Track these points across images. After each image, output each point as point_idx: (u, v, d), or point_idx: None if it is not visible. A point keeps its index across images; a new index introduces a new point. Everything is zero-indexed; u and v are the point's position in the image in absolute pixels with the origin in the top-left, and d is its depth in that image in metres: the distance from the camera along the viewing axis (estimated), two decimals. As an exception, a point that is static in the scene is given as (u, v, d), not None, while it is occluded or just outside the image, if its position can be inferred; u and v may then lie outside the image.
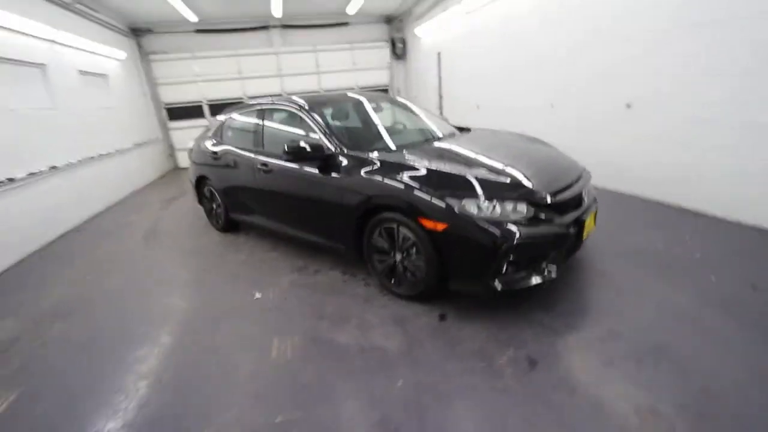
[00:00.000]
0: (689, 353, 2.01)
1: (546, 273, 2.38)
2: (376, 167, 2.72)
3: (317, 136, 3.14)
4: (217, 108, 9.88)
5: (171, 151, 9.95)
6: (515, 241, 2.21)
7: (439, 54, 8.78)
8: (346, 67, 10.56)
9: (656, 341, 2.12)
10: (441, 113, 9.09)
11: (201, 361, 2.30)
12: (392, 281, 2.80)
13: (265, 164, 3.50)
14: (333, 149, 2.99)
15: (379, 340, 2.34)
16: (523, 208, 2.33)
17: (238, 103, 4.57)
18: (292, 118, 3.51)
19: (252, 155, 3.69)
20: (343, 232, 3.00)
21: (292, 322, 2.63)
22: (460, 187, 2.37)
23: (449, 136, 3.48)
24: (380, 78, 10.98)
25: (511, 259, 2.26)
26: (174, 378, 2.17)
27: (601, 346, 2.13)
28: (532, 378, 1.95)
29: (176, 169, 9.94)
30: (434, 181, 2.45)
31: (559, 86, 5.40)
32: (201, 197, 4.73)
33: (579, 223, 2.51)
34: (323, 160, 2.99)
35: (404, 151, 2.91)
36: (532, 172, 2.57)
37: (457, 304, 2.63)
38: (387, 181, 2.59)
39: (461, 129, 3.85)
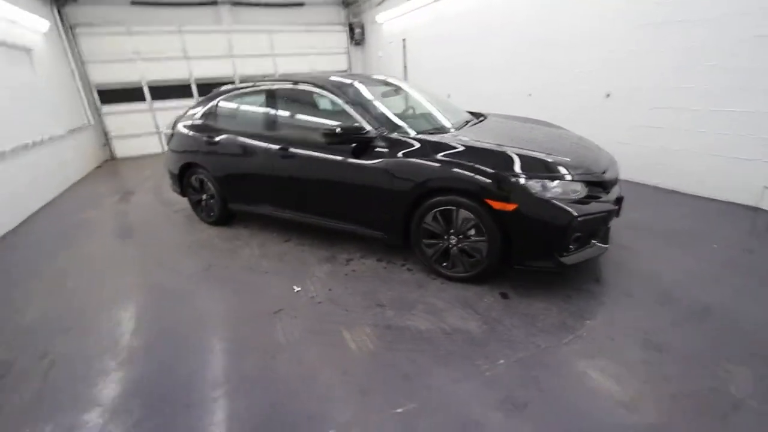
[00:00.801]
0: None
1: (599, 246, 2.57)
2: (428, 149, 2.68)
3: (356, 118, 2.98)
4: (160, 91, 8.89)
5: (105, 139, 8.74)
6: (582, 218, 2.34)
7: (404, 41, 8.78)
8: (303, 50, 10.10)
9: (702, 299, 2.40)
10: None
11: (278, 362, 2.11)
12: (444, 265, 2.80)
13: (284, 149, 3.25)
14: (375, 131, 2.87)
15: (457, 323, 2.34)
16: (578, 187, 2.47)
17: (223, 84, 4.15)
18: (316, 100, 3.30)
19: (263, 141, 3.40)
20: (386, 219, 2.92)
21: (352, 312, 2.51)
22: (527, 167, 2.43)
23: (475, 121, 3.51)
24: (339, 63, 10.70)
25: (577, 235, 2.39)
26: (263, 385, 1.96)
27: (661, 307, 2.36)
28: (622, 339, 2.10)
29: (113, 160, 8.78)
30: (500, 162, 2.49)
31: (536, 77, 5.73)
32: (185, 188, 4.25)
33: (619, 200, 2.72)
34: (363, 143, 2.86)
35: (452, 133, 2.90)
36: (577, 154, 2.73)
37: (512, 282, 2.72)
38: (451, 164, 2.56)
39: (476, 114, 3.90)
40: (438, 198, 2.63)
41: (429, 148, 2.68)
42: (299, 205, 3.44)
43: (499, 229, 2.47)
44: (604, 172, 2.64)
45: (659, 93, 4.25)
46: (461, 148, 2.62)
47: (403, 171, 2.72)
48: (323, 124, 3.17)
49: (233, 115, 3.79)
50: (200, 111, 3.99)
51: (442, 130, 3.08)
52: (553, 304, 2.47)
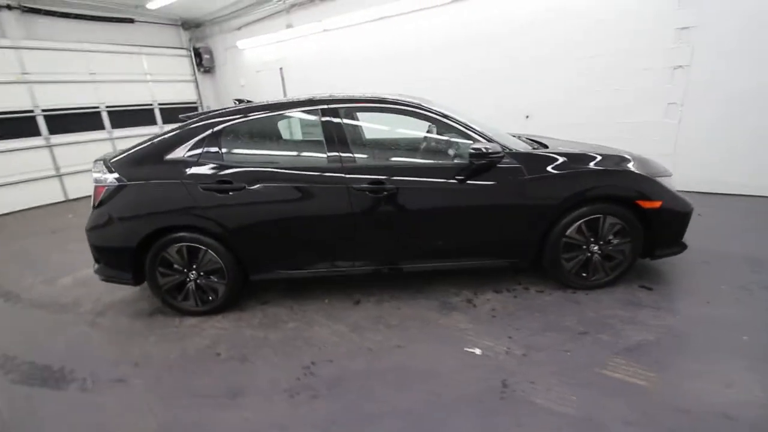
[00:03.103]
0: None
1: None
2: (564, 161, 2.61)
3: (474, 136, 2.59)
4: None
5: None
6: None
7: (281, 70, 8.10)
8: (136, 76, 7.93)
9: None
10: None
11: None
12: (584, 275, 2.75)
13: (378, 182, 2.51)
14: (504, 149, 2.58)
15: (659, 322, 2.35)
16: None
17: (210, 111, 2.86)
18: (398, 121, 2.69)
19: (329, 176, 2.53)
20: (521, 240, 2.67)
21: (576, 352, 2.15)
22: (650, 169, 2.70)
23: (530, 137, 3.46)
24: (185, 93, 8.90)
25: (687, 221, 2.80)
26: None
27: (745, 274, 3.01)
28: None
29: None
30: (638, 164, 2.66)
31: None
32: (150, 269, 2.67)
33: None
34: (493, 162, 2.54)
35: (550, 147, 2.88)
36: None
37: (631, 277, 2.90)
38: (603, 172, 2.58)
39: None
40: (584, 209, 2.60)
41: (555, 160, 2.62)
42: (388, 252, 2.71)
43: (644, 227, 2.64)
44: None
45: (573, 112, 5.40)
46: (598, 158, 2.66)
47: (550, 186, 2.56)
48: (437, 145, 2.64)
49: (260, 145, 2.67)
50: (184, 146, 2.62)
51: (536, 144, 3.03)
52: (696, 291, 2.80)
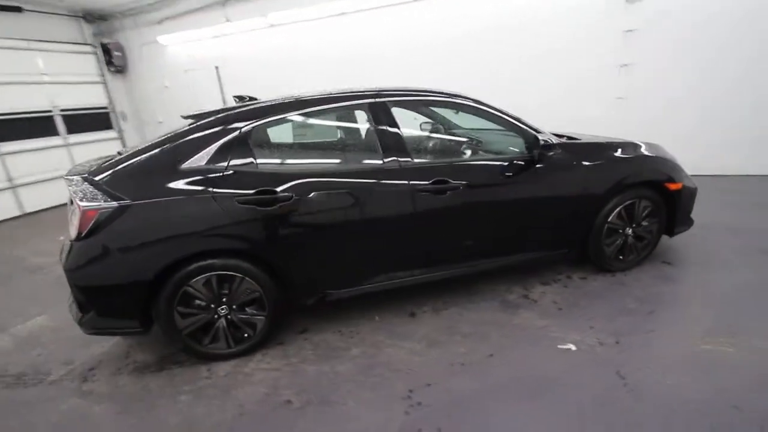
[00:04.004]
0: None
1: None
2: (599, 151, 2.69)
3: (524, 128, 2.52)
4: None
5: None
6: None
7: (217, 69, 7.25)
8: (29, 77, 6.43)
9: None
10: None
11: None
12: (621, 258, 2.87)
13: (442, 182, 2.29)
14: (555, 139, 2.56)
15: (720, 292, 2.55)
16: None
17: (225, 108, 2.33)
18: (437, 115, 2.52)
19: (384, 178, 2.25)
20: (575, 230, 2.70)
21: (661, 342, 2.18)
22: (662, 152, 2.92)
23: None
24: (92, 96, 7.47)
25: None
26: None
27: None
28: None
29: None
30: (658, 151, 2.85)
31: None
32: (168, 310, 2.08)
33: None
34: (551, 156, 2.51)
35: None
36: None
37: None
38: (633, 159, 2.72)
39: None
40: (625, 194, 2.70)
41: (599, 150, 2.71)
42: (450, 255, 2.51)
43: (667, 208, 2.85)
44: None
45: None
46: (629, 146, 2.79)
47: (601, 174, 2.62)
48: (483, 141, 2.50)
49: (300, 147, 2.25)
50: (204, 152, 2.09)
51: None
52: (693, 252, 3.10)
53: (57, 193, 6.67)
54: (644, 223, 2.82)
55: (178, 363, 2.30)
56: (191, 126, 2.17)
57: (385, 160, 2.28)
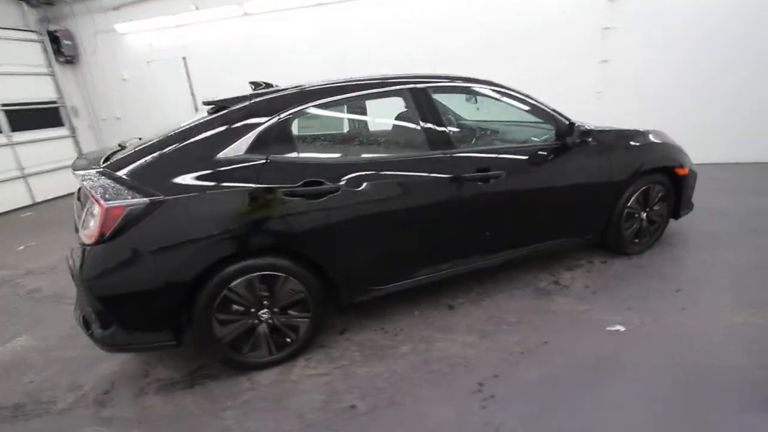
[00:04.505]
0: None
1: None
2: (619, 138, 2.78)
3: (555, 115, 2.54)
4: None
5: None
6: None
7: (185, 60, 6.74)
8: (-39, 66, 5.60)
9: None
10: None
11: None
12: (636, 241, 2.99)
13: (484, 169, 2.25)
14: (585, 125, 2.61)
15: (731, 265, 2.72)
16: None
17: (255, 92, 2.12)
18: (471, 102, 2.47)
19: (427, 167, 2.17)
20: (597, 216, 2.77)
21: (698, 319, 2.26)
22: (671, 140, 3.08)
23: None
24: (39, 89, 6.67)
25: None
26: None
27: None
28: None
29: None
30: (665, 137, 3.00)
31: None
32: (202, 321, 1.86)
33: None
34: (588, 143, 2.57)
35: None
36: None
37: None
38: (659, 143, 2.88)
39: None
40: (643, 179, 2.81)
41: (623, 137, 2.80)
42: (490, 245, 2.47)
43: (675, 192, 3.01)
44: None
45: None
46: (641, 133, 2.90)
47: (625, 160, 2.71)
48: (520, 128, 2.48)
49: (342, 134, 2.10)
50: (242, 140, 1.88)
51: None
52: (690, 233, 3.30)
53: (3, 198, 5.92)
54: (656, 207, 2.96)
55: (211, 376, 2.07)
56: (224, 112, 1.95)
57: (430, 147, 2.20)
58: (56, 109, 6.88)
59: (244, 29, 6.31)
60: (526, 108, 2.54)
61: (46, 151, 6.62)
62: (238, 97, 2.05)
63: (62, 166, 6.83)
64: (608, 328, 2.21)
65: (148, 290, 1.77)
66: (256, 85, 2.57)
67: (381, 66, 5.79)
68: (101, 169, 1.79)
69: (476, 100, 2.94)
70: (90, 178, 1.75)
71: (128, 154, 1.86)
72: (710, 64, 4.96)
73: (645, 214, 2.94)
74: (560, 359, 2.02)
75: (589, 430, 1.61)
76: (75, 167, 1.89)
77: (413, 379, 1.96)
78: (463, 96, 2.97)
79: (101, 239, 1.71)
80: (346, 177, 1.98)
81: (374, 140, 2.50)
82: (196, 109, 7.02)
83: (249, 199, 1.84)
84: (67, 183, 6.97)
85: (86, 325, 1.90)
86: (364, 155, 2.23)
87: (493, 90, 2.47)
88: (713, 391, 1.75)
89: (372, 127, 2.61)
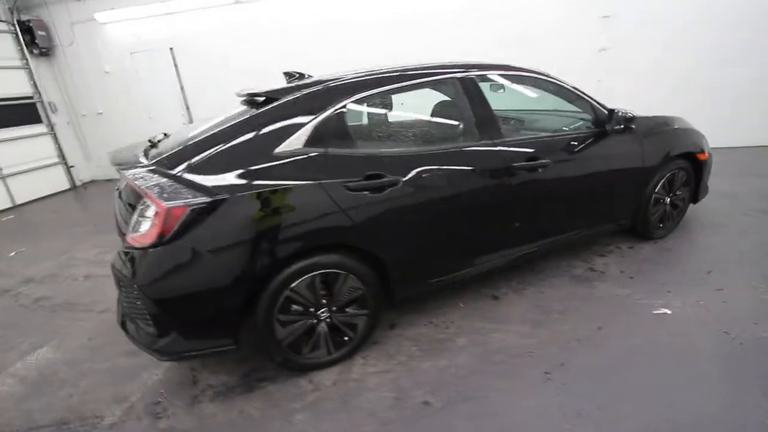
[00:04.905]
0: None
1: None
2: (659, 125, 2.87)
3: (593, 103, 2.56)
4: None
5: None
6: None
7: (172, 50, 6.41)
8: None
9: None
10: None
11: None
12: (661, 225, 3.07)
13: (533, 159, 2.24)
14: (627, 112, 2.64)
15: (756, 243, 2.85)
16: None
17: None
18: (514, 90, 2.46)
19: (477, 158, 2.15)
20: (630, 202, 2.83)
21: (738, 299, 2.32)
22: (691, 125, 3.16)
23: None
24: (12, 84, 6.21)
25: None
26: None
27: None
28: None
29: None
30: (685, 123, 3.07)
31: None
32: (264, 323, 1.78)
33: None
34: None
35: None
36: None
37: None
38: (686, 129, 2.97)
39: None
40: (670, 165, 2.87)
41: (655, 123, 2.86)
42: (521, 237, 2.46)
43: (696, 176, 3.10)
44: None
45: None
46: (668, 120, 2.98)
47: (657, 146, 2.76)
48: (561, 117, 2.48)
49: (396, 125, 2.06)
50: (299, 133, 1.79)
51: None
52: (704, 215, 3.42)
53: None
54: (678, 192, 3.05)
55: (269, 379, 2.00)
56: (276, 105, 1.85)
57: (482, 137, 2.17)
58: (33, 105, 6.42)
59: (235, 17, 6.06)
60: (570, 97, 2.54)
61: (25, 150, 6.20)
62: (285, 88, 1.96)
63: (42, 165, 6.44)
64: (654, 312, 2.27)
65: (212, 292, 1.67)
66: (289, 75, 2.46)
67: (380, 59, 5.76)
68: (153, 168, 1.67)
69: (504, 89, 2.93)
70: (143, 178, 1.63)
71: (180, 150, 1.74)
72: (714, 55, 5.12)
73: (669, 199, 3.02)
74: (617, 344, 2.05)
75: (669, 414, 1.64)
76: (120, 167, 1.76)
77: (480, 372, 1.94)
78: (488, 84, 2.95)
79: (160, 241, 1.59)
80: (407, 169, 1.93)
81: (426, 131, 2.44)
82: (186, 103, 6.74)
83: (312, 194, 1.76)
84: (49, 183, 6.58)
85: (137, 333, 1.79)
86: (421, 147, 2.17)
87: (538, 79, 2.46)
88: (772, 367, 1.82)
89: (422, 117, 2.54)
